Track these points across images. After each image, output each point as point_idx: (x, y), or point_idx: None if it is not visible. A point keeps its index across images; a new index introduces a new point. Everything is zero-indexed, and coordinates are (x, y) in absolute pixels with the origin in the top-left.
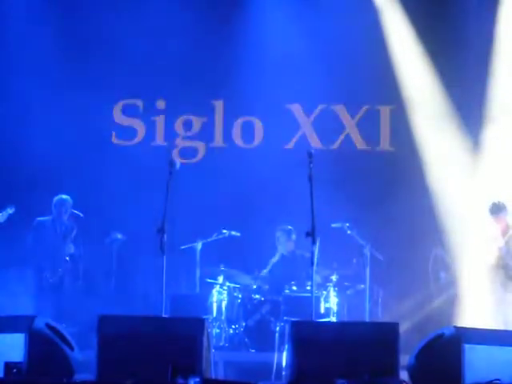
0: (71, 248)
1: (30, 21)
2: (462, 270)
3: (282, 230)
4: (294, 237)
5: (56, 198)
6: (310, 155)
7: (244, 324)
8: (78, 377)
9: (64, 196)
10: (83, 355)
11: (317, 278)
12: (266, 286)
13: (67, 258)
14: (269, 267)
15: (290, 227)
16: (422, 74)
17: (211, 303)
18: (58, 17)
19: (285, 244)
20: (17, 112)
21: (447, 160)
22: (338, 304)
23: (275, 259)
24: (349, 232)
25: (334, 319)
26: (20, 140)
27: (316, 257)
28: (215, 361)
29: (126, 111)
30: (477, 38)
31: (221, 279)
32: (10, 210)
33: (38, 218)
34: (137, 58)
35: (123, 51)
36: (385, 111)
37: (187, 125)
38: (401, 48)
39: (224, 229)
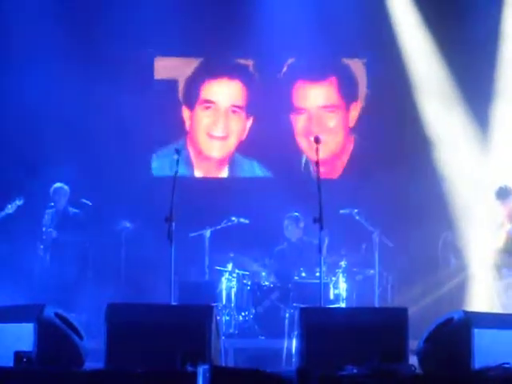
0: (53, 233)
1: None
2: (471, 254)
3: (289, 217)
4: (301, 224)
5: (52, 187)
6: (317, 140)
7: (253, 311)
8: (87, 365)
9: (58, 184)
10: (92, 344)
11: (326, 264)
12: (272, 277)
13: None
14: (276, 255)
15: (297, 214)
16: (427, 56)
17: (220, 291)
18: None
19: (293, 231)
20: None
21: (456, 143)
22: (347, 290)
23: (282, 247)
24: (357, 218)
25: (343, 305)
26: (28, 128)
27: (326, 244)
28: (225, 348)
29: None
30: (484, 14)
31: (230, 266)
32: (19, 202)
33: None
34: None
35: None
36: None
37: None
38: (406, 28)
39: (233, 216)
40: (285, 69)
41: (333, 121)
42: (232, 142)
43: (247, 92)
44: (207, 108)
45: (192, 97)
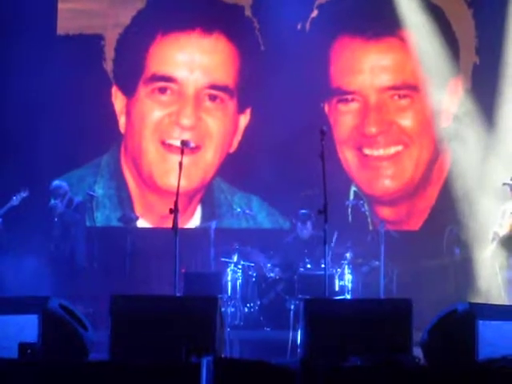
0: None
1: None
2: (476, 245)
3: (299, 216)
4: (309, 223)
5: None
6: (322, 132)
7: (259, 302)
8: (91, 357)
9: (56, 182)
10: (97, 335)
11: (332, 256)
12: (277, 269)
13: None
14: (284, 245)
15: (305, 211)
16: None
17: (226, 282)
18: None
19: (301, 230)
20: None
21: (462, 134)
22: (353, 281)
23: (291, 238)
24: (363, 209)
25: (348, 297)
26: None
27: (335, 237)
28: (230, 339)
29: None
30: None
31: (235, 258)
32: (24, 194)
33: None
34: None
35: None
36: None
37: None
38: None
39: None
40: (314, 13)
41: (408, 114)
42: (209, 158)
43: (238, 60)
44: (161, 91)
45: (131, 70)
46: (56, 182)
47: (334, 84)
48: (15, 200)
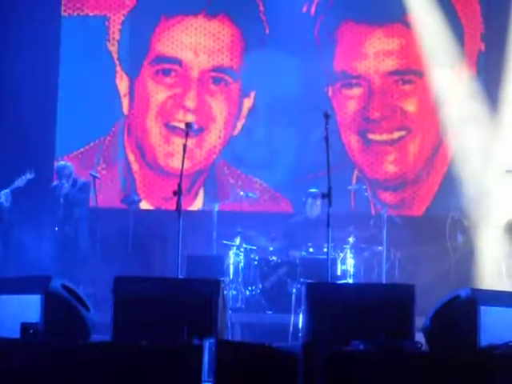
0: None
1: None
2: (479, 232)
3: (309, 193)
4: (319, 201)
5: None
6: (326, 116)
7: (261, 286)
8: (93, 338)
9: (61, 162)
10: (99, 316)
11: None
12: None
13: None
14: (289, 227)
15: (316, 190)
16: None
17: (228, 265)
18: None
19: (311, 207)
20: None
21: (466, 121)
22: (355, 266)
23: (297, 219)
24: (366, 194)
25: (350, 281)
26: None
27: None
28: (232, 322)
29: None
30: None
31: (237, 241)
32: (29, 175)
33: None
34: None
35: None
36: None
37: None
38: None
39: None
40: None
41: (412, 100)
42: (213, 140)
43: (243, 43)
44: (166, 73)
45: (136, 51)
46: (61, 163)
47: (338, 68)
48: (20, 181)
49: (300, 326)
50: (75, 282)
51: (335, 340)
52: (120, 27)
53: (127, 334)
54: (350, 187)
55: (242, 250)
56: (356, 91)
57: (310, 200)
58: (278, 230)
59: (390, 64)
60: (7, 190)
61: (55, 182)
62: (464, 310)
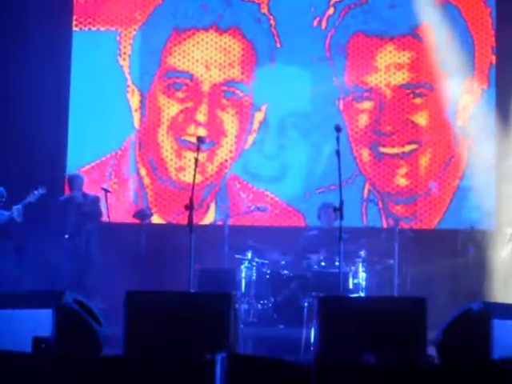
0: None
1: None
2: (491, 245)
3: (324, 204)
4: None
5: (67, 176)
6: (337, 129)
7: (272, 300)
8: (105, 352)
9: (74, 172)
10: (111, 331)
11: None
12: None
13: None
14: (304, 239)
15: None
16: None
17: (240, 279)
18: None
19: (327, 218)
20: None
21: (477, 134)
22: (367, 279)
23: (313, 233)
24: (378, 207)
25: (362, 295)
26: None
27: None
28: (244, 336)
29: None
30: None
31: (249, 255)
32: (41, 190)
33: None
34: None
35: None
36: None
37: None
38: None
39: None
40: (331, 10)
41: (423, 113)
42: (224, 154)
43: (254, 57)
44: (177, 87)
45: (147, 66)
46: (73, 173)
47: (349, 81)
48: (33, 197)
49: (312, 339)
50: (86, 296)
51: (347, 353)
52: (131, 42)
53: (139, 349)
54: (361, 200)
55: (254, 263)
56: (367, 104)
57: (324, 210)
58: (290, 243)
59: (401, 77)
60: (19, 206)
61: (70, 193)
62: (476, 323)
